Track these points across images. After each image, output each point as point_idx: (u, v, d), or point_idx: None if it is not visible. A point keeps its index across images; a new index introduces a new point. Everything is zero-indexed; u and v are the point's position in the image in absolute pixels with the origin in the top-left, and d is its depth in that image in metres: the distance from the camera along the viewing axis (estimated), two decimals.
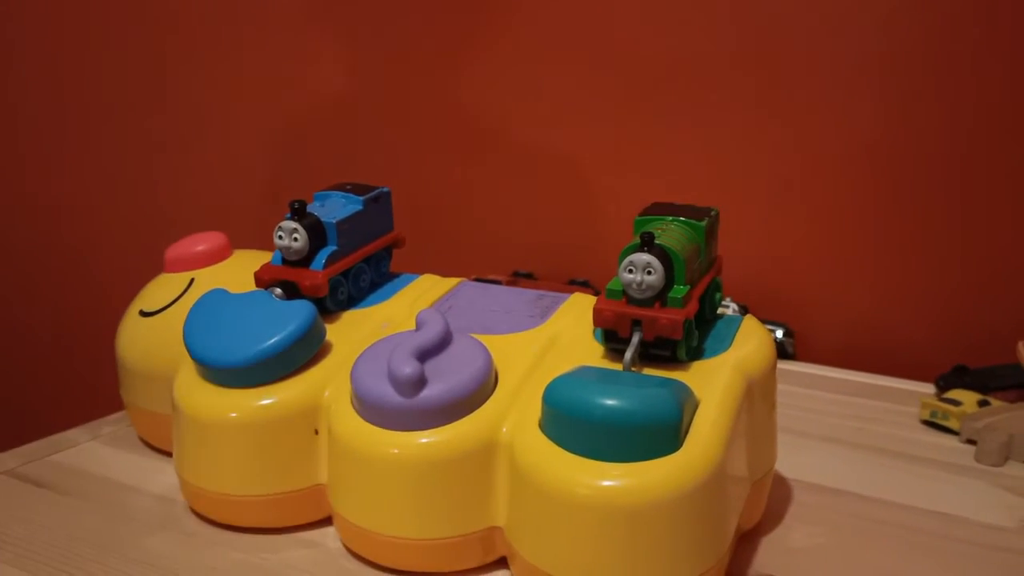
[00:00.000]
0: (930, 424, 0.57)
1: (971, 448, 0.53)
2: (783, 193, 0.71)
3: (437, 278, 0.53)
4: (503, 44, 0.79)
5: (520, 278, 0.79)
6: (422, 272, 0.54)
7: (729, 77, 0.70)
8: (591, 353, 0.42)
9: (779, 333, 0.70)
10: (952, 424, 0.56)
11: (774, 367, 0.43)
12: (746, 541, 0.43)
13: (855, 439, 0.55)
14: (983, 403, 0.56)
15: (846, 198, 0.69)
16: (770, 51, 0.68)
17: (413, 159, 0.86)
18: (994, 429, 0.53)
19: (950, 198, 0.65)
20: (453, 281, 0.52)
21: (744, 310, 0.71)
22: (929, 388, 0.61)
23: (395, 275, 0.53)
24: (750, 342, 0.43)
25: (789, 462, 0.50)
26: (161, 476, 0.49)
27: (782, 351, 0.69)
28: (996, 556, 0.43)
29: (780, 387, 0.45)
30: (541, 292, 0.50)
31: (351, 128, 0.89)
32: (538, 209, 0.82)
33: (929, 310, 0.68)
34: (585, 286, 0.76)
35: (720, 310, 0.69)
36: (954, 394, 0.57)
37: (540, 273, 0.80)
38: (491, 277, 0.76)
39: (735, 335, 0.43)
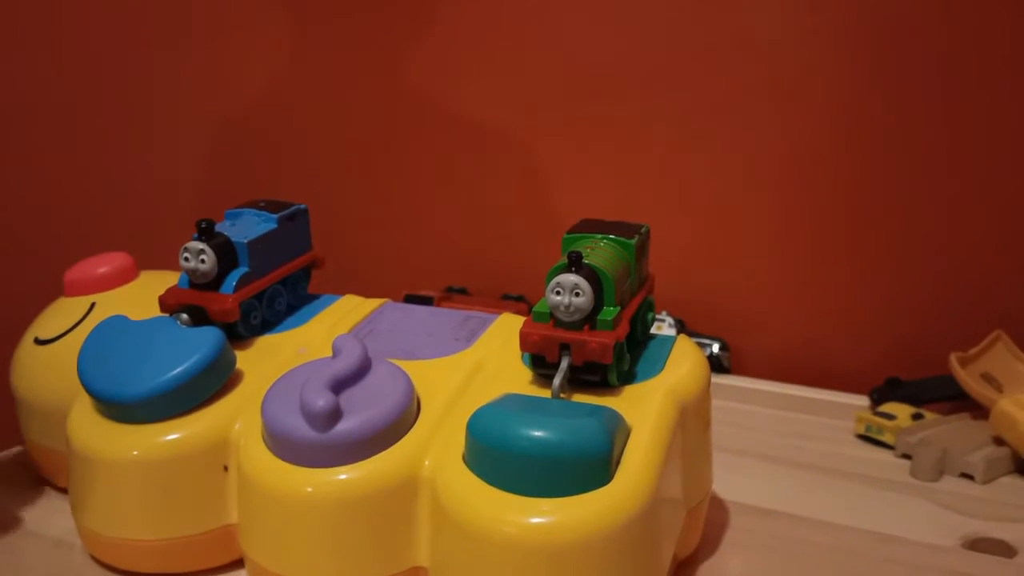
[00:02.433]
0: (865, 438, 0.56)
1: (907, 463, 0.53)
2: (719, 207, 0.70)
3: (359, 299, 0.50)
4: (433, 56, 0.76)
5: (453, 293, 0.77)
6: (352, 290, 0.51)
7: (665, 91, 0.69)
8: (519, 379, 0.40)
9: (715, 347, 0.69)
10: (887, 438, 0.55)
11: (708, 389, 0.42)
12: (683, 570, 0.42)
13: (791, 456, 0.54)
14: (917, 416, 0.56)
15: (780, 213, 0.68)
16: (705, 64, 0.68)
17: (341, 172, 0.83)
18: (928, 444, 0.52)
19: (882, 212, 0.65)
20: (376, 302, 0.50)
21: (680, 324, 0.70)
22: (864, 401, 0.61)
23: (314, 297, 0.51)
24: (683, 364, 0.41)
25: (725, 483, 0.48)
26: (61, 518, 0.46)
27: (718, 365, 0.68)
28: None
29: (716, 403, 0.43)
30: (468, 313, 0.48)
31: (271, 141, 0.85)
32: (471, 223, 0.80)
33: (862, 322, 0.68)
34: (519, 300, 0.75)
35: (656, 324, 0.68)
36: (888, 407, 0.57)
37: (474, 288, 0.78)
38: (424, 293, 0.74)
39: (668, 357, 0.42)
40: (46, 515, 0.47)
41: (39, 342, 0.48)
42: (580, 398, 0.38)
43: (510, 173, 0.77)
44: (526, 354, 0.40)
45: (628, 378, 0.40)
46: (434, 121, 0.78)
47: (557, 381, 0.38)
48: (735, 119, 0.68)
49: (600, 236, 0.41)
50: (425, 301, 0.70)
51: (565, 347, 0.38)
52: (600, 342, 0.37)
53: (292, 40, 0.82)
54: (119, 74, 0.84)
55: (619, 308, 0.38)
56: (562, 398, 0.38)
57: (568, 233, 0.42)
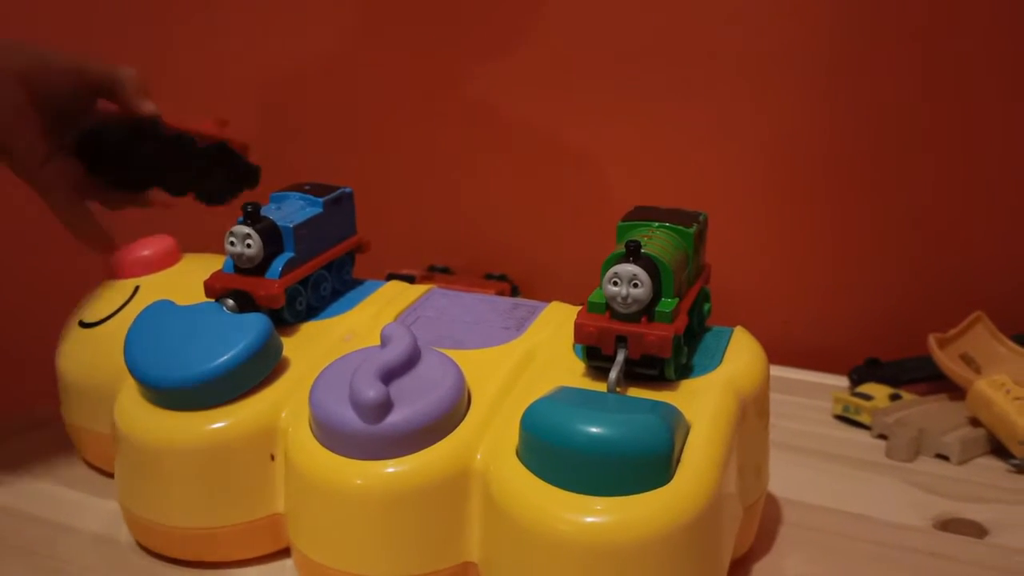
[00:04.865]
0: (843, 419, 0.55)
1: (883, 444, 0.52)
2: (695, 190, 0.68)
3: (404, 285, 0.49)
4: (425, 34, 0.75)
5: (436, 273, 0.75)
6: None
7: (655, 69, 0.67)
8: (571, 371, 0.39)
9: None
10: (864, 419, 0.54)
11: (768, 383, 0.40)
12: (735, 570, 0.40)
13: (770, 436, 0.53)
14: (895, 397, 0.55)
15: (761, 195, 0.67)
16: (690, 44, 0.65)
17: (322, 149, 0.82)
18: (904, 424, 0.51)
19: (862, 194, 0.64)
20: (421, 289, 0.49)
21: None
22: (842, 381, 0.60)
23: (358, 282, 0.50)
24: (742, 357, 0.40)
25: None
26: (103, 502, 0.45)
27: None
28: (906, 557, 0.41)
29: None
30: (517, 301, 0.47)
31: (267, 120, 0.84)
32: (452, 202, 0.78)
33: (842, 303, 0.66)
34: (502, 280, 0.73)
35: None
36: (866, 388, 0.56)
37: (456, 267, 0.76)
38: (406, 272, 0.73)
39: (725, 349, 0.40)
40: (88, 498, 0.46)
41: (84, 325, 0.47)
42: (636, 392, 0.37)
43: (491, 152, 0.75)
44: (578, 345, 0.39)
45: (685, 372, 0.39)
46: (415, 98, 0.76)
47: (613, 375, 0.36)
48: (719, 104, 0.66)
49: (656, 224, 0.40)
50: (407, 280, 0.69)
51: (621, 339, 0.37)
52: (659, 335, 0.36)
53: (285, 25, 0.80)
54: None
55: (677, 299, 0.37)
56: (618, 392, 0.37)
57: (623, 220, 0.40)
